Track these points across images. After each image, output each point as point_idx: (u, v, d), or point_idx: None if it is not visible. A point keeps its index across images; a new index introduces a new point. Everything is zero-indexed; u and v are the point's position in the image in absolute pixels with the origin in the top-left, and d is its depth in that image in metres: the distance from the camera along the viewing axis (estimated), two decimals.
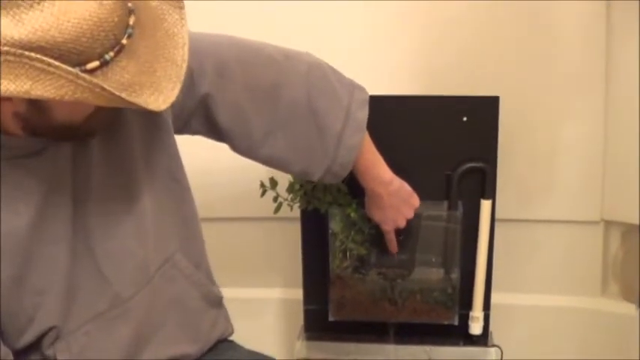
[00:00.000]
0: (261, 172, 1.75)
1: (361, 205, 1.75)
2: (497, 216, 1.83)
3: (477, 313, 1.87)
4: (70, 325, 1.19)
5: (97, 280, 1.20)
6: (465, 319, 1.88)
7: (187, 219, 1.38)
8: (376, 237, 1.79)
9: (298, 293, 1.93)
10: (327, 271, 1.84)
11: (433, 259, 1.86)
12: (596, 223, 2.09)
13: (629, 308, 2.05)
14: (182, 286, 1.35)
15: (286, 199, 1.77)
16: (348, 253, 1.82)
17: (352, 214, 1.76)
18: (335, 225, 1.80)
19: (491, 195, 1.81)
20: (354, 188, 1.75)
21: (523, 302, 2.15)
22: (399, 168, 1.77)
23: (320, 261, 1.85)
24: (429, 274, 1.86)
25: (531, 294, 2.15)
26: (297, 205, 1.79)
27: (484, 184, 1.79)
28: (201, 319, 1.41)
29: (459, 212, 1.81)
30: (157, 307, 1.29)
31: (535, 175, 2.08)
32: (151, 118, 1.26)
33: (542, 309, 2.15)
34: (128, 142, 1.23)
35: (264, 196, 1.75)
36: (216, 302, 1.46)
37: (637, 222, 2.04)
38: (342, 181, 1.71)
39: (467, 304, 1.87)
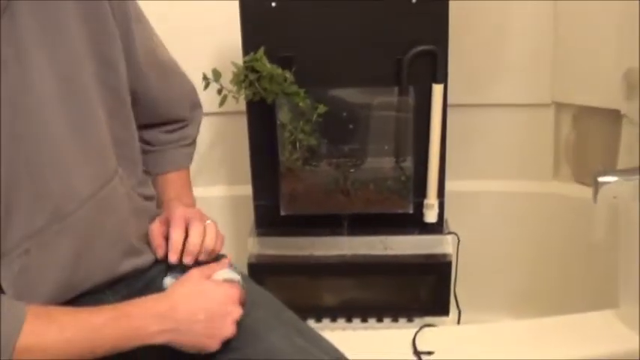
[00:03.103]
0: (202, 63, 1.73)
1: (309, 93, 1.74)
2: (448, 101, 1.83)
3: (431, 200, 1.88)
4: (9, 244, 1.12)
5: (34, 191, 1.13)
6: (419, 208, 1.89)
7: (125, 141, 1.31)
8: (326, 126, 1.78)
9: (248, 189, 1.92)
10: (277, 164, 1.84)
11: (385, 147, 1.87)
12: (547, 105, 2.13)
13: (582, 191, 2.11)
14: (126, 205, 1.29)
15: (231, 91, 1.75)
16: (297, 145, 1.81)
17: (300, 104, 1.76)
18: (283, 116, 1.79)
19: (443, 79, 1.81)
20: (301, 76, 1.75)
21: (477, 188, 2.19)
22: (346, 53, 1.79)
23: (269, 154, 1.84)
24: (382, 163, 1.87)
25: (485, 180, 2.20)
26: (243, 97, 1.76)
27: (435, 67, 1.79)
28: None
29: (410, 98, 1.81)
30: (100, 224, 1.23)
31: (486, 57, 2.09)
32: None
33: (496, 194, 2.20)
34: (64, 24, 1.16)
35: (208, 89, 1.71)
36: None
37: (588, 103, 2.08)
38: (289, 69, 1.73)
39: (421, 192, 1.88)
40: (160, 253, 1.31)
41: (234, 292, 1.20)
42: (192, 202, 1.48)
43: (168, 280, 1.24)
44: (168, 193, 1.45)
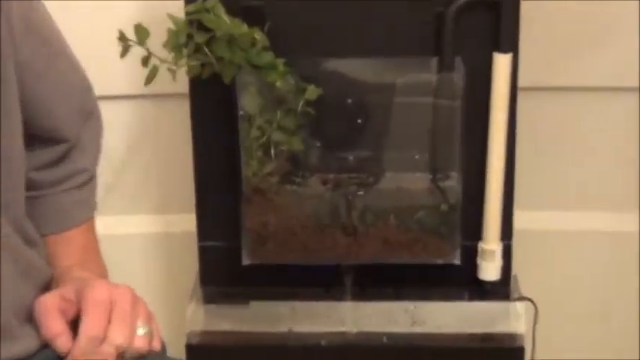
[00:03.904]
0: (119, 16, 1.71)
1: (292, 66, 1.65)
2: (520, 83, 1.72)
3: (491, 244, 1.77)
4: None
5: None
6: (470, 256, 1.78)
7: (10, 161, 1.27)
8: (318, 121, 1.69)
9: (189, 222, 1.83)
10: (238, 182, 1.73)
11: (416, 157, 1.77)
12: None
13: None
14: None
15: (165, 62, 1.63)
16: (272, 150, 1.73)
17: (278, 83, 1.65)
18: (249, 102, 1.69)
19: (511, 46, 1.69)
20: (278, 39, 1.65)
21: (564, 226, 2.10)
22: (353, 4, 1.74)
23: (225, 165, 1.76)
24: (410, 181, 1.79)
25: (576, 212, 2.09)
26: (184, 70, 1.65)
27: (498, 28, 1.70)
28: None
29: (457, 76, 1.70)
30: None
31: (582, 12, 1.96)
32: None
33: (593, 235, 2.09)
34: None
35: (127, 57, 1.64)
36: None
37: None
38: (260, 27, 1.64)
39: (473, 230, 1.78)
40: (63, 347, 1.23)
41: None
42: (102, 269, 1.47)
43: None
44: (64, 259, 1.43)
